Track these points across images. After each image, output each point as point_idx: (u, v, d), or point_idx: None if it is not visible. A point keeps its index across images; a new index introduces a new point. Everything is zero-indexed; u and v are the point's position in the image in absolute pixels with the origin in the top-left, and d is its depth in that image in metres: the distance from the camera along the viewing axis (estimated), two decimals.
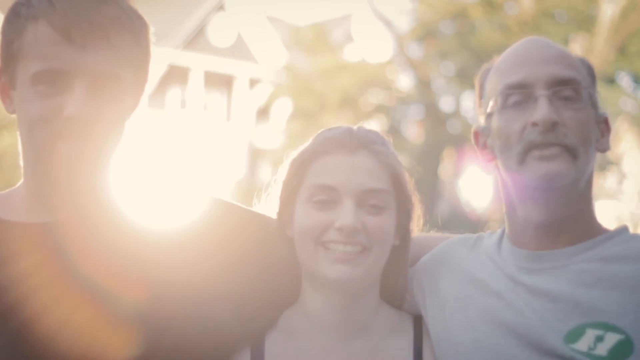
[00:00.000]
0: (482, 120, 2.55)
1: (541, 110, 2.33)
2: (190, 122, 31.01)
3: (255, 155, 31.93)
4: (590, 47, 24.04)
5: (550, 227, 2.42)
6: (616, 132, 19.51)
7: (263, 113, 32.23)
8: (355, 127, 2.57)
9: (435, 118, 26.16)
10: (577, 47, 22.90)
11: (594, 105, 2.43)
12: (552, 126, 2.33)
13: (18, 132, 2.31)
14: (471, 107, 27.90)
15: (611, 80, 25.34)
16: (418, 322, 2.60)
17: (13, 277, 2.24)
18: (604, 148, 2.48)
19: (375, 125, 26.07)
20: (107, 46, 2.23)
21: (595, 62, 21.15)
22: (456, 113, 26.90)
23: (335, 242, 2.43)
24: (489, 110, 2.47)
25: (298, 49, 28.32)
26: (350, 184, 2.45)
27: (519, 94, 2.39)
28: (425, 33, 26.19)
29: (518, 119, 2.38)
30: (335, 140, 2.51)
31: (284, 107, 29.37)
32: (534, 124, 2.34)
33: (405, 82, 27.46)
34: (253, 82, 32.57)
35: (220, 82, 32.77)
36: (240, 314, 2.49)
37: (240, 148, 31.67)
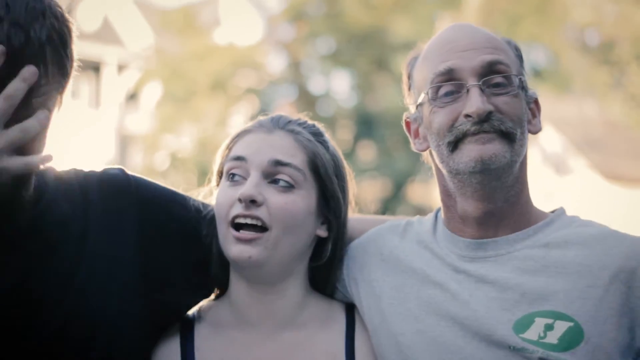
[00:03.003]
0: (412, 109, 2.49)
1: (474, 102, 2.29)
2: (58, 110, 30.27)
3: (126, 141, 31.34)
4: None
5: (490, 217, 2.38)
6: None
7: (132, 98, 31.62)
8: (286, 115, 2.55)
9: (306, 99, 26.15)
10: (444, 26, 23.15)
11: (524, 87, 2.41)
12: (486, 117, 2.29)
13: None
14: (341, 89, 28.09)
15: None
16: (350, 311, 2.54)
17: None
18: (536, 130, 2.46)
19: (246, 108, 26.08)
20: None
21: None
22: (327, 94, 26.98)
23: (238, 217, 2.39)
24: (419, 100, 2.42)
25: (166, 32, 27.85)
26: (259, 155, 2.43)
27: (450, 85, 2.34)
28: (296, 14, 26.12)
29: (450, 110, 2.34)
30: (258, 122, 2.53)
31: (153, 92, 28.87)
32: (467, 116, 2.30)
33: (276, 64, 27.40)
34: (121, 67, 31.90)
35: (88, 67, 32.04)
36: (149, 301, 2.38)
37: (110, 134, 31.02)
